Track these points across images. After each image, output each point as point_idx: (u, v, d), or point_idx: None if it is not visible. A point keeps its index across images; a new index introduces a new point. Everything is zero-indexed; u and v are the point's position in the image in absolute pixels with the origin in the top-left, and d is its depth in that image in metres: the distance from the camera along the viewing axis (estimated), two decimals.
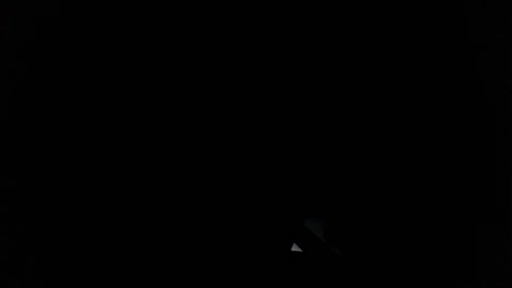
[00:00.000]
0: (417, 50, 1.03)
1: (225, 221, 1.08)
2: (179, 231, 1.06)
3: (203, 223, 1.07)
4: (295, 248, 1.10)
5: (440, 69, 1.02)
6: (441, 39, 1.01)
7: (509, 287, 0.95)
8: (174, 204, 1.07)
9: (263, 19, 1.03)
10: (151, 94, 1.05)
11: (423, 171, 1.05)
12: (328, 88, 1.07)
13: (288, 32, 1.05)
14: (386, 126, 1.06)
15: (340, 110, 1.08)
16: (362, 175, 1.09)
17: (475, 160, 1.01)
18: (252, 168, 1.08)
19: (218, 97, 1.06)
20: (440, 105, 1.03)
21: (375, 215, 1.08)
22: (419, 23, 1.01)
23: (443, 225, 1.03)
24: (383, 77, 1.05)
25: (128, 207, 1.05)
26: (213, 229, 1.07)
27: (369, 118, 1.07)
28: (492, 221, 0.99)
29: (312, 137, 1.08)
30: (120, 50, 1.02)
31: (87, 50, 1.00)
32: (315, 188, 1.09)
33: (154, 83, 1.04)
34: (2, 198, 0.96)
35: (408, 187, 1.06)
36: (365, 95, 1.06)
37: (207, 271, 1.05)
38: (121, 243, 1.04)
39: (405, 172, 1.06)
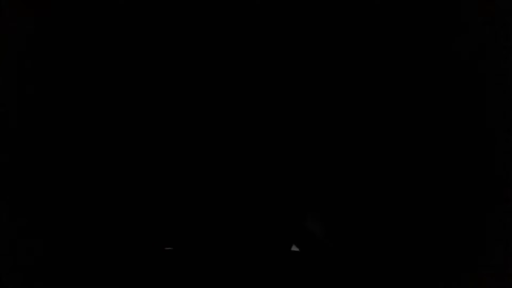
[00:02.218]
0: (417, 50, 1.03)
1: (224, 221, 1.07)
2: (179, 231, 1.06)
3: (202, 223, 1.07)
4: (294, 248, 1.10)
5: (440, 68, 1.02)
6: (441, 39, 1.01)
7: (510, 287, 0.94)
8: (174, 204, 1.07)
9: (263, 19, 1.03)
10: (151, 94, 1.05)
11: (424, 168, 1.05)
12: (328, 88, 1.07)
13: (288, 32, 1.05)
14: (386, 126, 1.06)
15: (339, 110, 1.08)
16: (361, 170, 1.08)
17: (475, 158, 1.01)
18: (252, 168, 1.08)
19: (217, 97, 1.06)
20: (440, 104, 1.03)
21: (375, 213, 1.07)
22: (419, 22, 1.01)
23: (444, 225, 1.02)
24: (383, 77, 1.05)
25: (127, 206, 1.05)
26: (212, 229, 1.07)
27: (370, 118, 1.07)
28: (493, 220, 0.98)
29: (311, 137, 1.08)
30: (119, 50, 1.02)
31: (87, 49, 1.01)
32: (314, 186, 1.09)
33: (154, 83, 1.05)
34: (2, 197, 0.96)
35: (409, 185, 1.05)
36: (365, 95, 1.06)
37: (207, 271, 1.04)
38: (121, 243, 1.04)
39: (405, 170, 1.06)
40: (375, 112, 1.06)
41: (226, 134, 1.07)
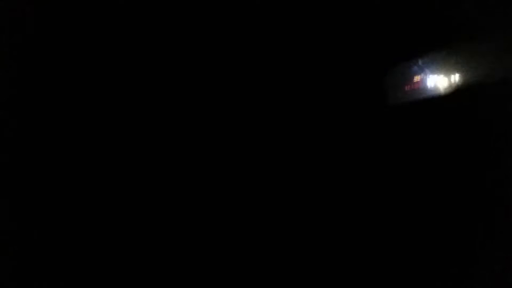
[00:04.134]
0: (416, 49, 1.03)
1: (225, 220, 1.07)
2: (179, 231, 1.06)
3: (202, 223, 1.07)
4: None
5: (440, 67, 1.02)
6: (441, 38, 1.01)
7: None
8: (174, 204, 1.06)
9: (263, 19, 1.03)
10: (151, 94, 1.05)
11: (423, 173, 1.05)
12: (328, 88, 1.07)
13: (288, 32, 1.05)
14: (386, 125, 1.06)
15: (339, 109, 1.07)
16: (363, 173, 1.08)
17: (472, 163, 1.01)
18: (251, 168, 1.08)
19: (217, 97, 1.06)
20: (440, 103, 1.03)
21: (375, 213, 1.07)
22: (418, 22, 1.01)
23: (442, 233, 1.02)
24: (382, 76, 1.05)
25: (127, 206, 1.05)
26: (213, 228, 1.07)
27: (370, 117, 1.07)
28: (492, 228, 0.98)
29: (311, 137, 1.08)
30: (119, 50, 1.02)
31: (86, 49, 1.00)
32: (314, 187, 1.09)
33: (153, 83, 1.05)
34: (3, 197, 0.96)
35: (408, 190, 1.05)
36: (365, 95, 1.06)
37: (207, 271, 1.04)
38: (121, 243, 1.03)
39: (405, 174, 1.06)
40: (376, 113, 1.06)
41: (225, 134, 1.07)
